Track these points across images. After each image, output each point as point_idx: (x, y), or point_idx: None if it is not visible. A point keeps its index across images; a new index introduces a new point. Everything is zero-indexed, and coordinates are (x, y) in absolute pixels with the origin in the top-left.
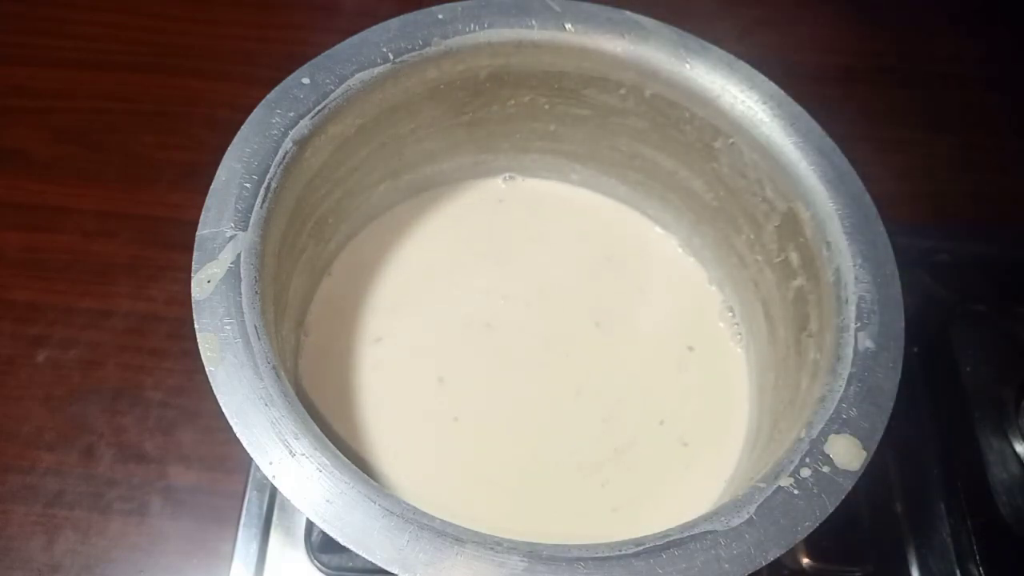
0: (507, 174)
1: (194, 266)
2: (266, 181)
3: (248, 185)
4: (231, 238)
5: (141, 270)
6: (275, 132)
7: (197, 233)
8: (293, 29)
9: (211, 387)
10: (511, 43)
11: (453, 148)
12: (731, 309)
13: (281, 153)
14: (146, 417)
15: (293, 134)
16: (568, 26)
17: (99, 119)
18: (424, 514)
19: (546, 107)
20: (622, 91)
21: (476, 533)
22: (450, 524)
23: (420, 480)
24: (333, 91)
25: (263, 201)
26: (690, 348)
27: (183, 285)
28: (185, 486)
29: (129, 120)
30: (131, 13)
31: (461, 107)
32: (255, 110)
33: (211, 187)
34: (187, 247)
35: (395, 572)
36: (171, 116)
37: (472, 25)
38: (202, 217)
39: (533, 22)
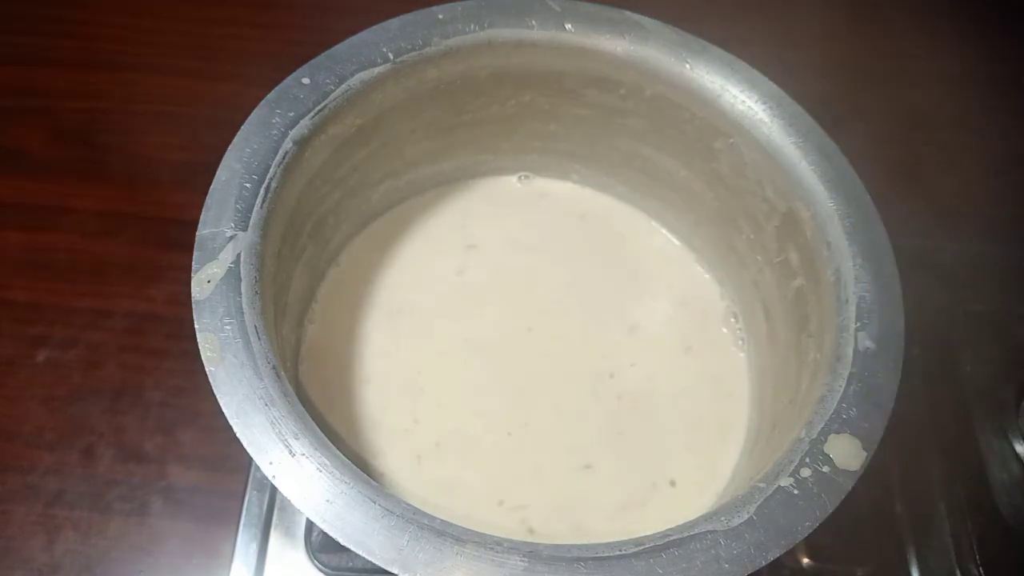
0: (522, 173)
1: (194, 266)
2: (266, 181)
3: (248, 185)
4: (231, 238)
5: (141, 270)
6: (275, 132)
7: (197, 233)
8: (293, 29)
9: (211, 387)
10: (511, 43)
11: (453, 148)
12: (733, 311)
13: (281, 153)
14: (146, 417)
15: (293, 134)
16: (568, 26)
17: (99, 119)
18: (424, 514)
19: (546, 107)
20: (622, 91)
21: (476, 533)
22: (450, 524)
23: (420, 480)
24: (333, 91)
25: (263, 201)
26: (691, 348)
27: (183, 285)
28: (185, 486)
29: (129, 120)
30: (131, 13)
31: (461, 107)
32: (255, 110)
33: (211, 187)
34: (187, 247)
35: (395, 572)
36: (171, 116)
37: (472, 25)
38: (202, 217)
39: (533, 22)
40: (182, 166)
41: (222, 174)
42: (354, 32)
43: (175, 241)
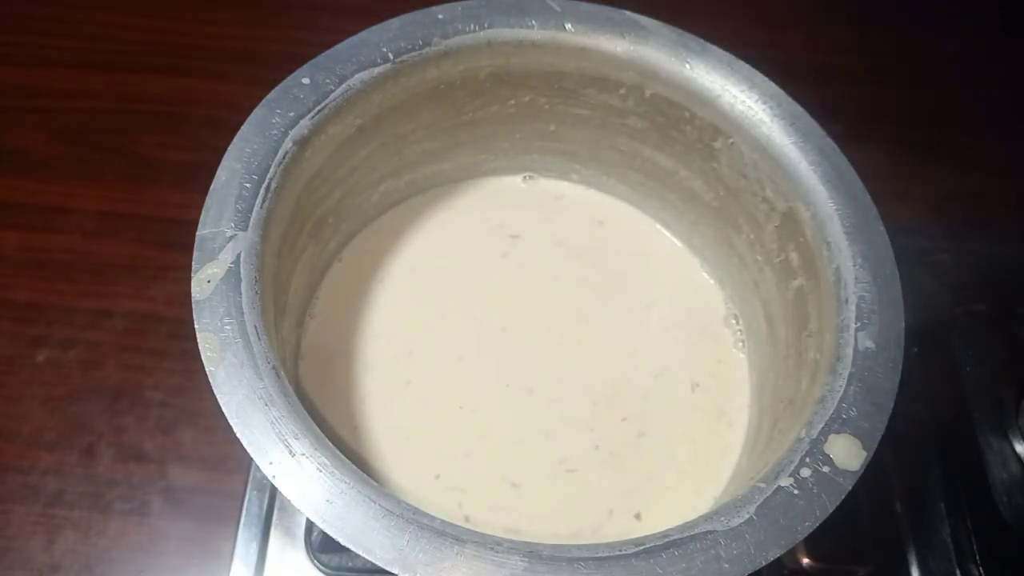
0: (526, 174)
1: (194, 266)
2: (266, 181)
3: (248, 185)
4: (231, 238)
5: (141, 270)
6: (275, 132)
7: (197, 233)
8: (293, 29)
9: (211, 387)
10: (511, 43)
11: (453, 148)
12: (734, 313)
13: (281, 153)
14: (146, 417)
15: (293, 134)
16: (568, 26)
17: (99, 119)
18: (424, 514)
19: (546, 107)
20: (622, 91)
21: (476, 533)
22: (450, 524)
23: (420, 480)
24: (333, 91)
25: (263, 201)
26: (691, 350)
27: (183, 285)
28: (185, 486)
29: (129, 120)
30: (131, 13)
31: (461, 107)
32: (255, 110)
33: (211, 187)
34: (187, 247)
35: (395, 572)
36: (171, 116)
37: (472, 25)
38: (202, 217)
39: (533, 22)
40: (182, 166)
41: (222, 174)
42: (354, 32)
43: (175, 241)
